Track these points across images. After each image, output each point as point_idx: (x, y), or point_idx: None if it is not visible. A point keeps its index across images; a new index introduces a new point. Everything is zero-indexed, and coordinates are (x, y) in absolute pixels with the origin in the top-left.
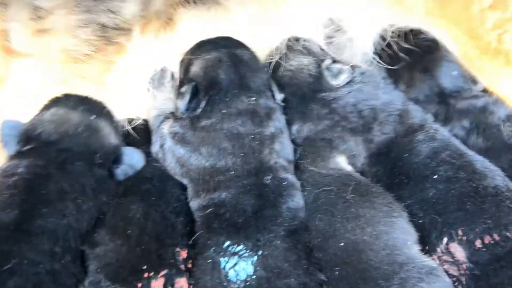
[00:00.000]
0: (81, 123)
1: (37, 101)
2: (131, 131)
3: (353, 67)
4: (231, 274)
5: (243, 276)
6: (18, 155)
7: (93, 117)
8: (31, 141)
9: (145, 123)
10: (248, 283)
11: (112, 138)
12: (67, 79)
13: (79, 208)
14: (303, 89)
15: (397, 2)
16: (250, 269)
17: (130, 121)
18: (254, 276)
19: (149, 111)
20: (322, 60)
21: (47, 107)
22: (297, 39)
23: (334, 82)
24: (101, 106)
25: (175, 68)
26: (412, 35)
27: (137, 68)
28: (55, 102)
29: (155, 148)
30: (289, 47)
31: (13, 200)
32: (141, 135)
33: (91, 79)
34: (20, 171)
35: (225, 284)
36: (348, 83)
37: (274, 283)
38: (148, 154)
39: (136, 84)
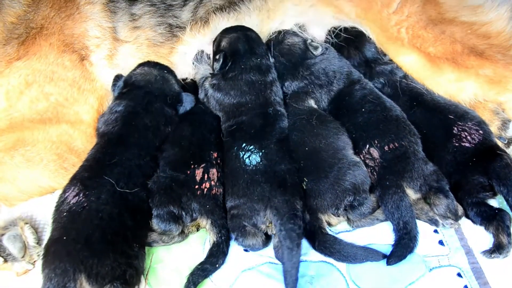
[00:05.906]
0: (158, 75)
1: (131, 67)
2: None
3: (322, 44)
4: (247, 161)
5: (254, 163)
6: (119, 95)
7: (165, 72)
8: (127, 86)
9: (193, 81)
10: (256, 166)
11: (176, 86)
12: (149, 56)
13: (155, 134)
14: (295, 57)
15: (338, 11)
16: (258, 159)
17: (184, 79)
18: (260, 163)
19: (195, 74)
20: (306, 39)
21: (137, 67)
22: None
23: (316, 52)
24: (169, 67)
25: (208, 50)
26: (349, 29)
27: (188, 51)
28: (142, 64)
29: (201, 96)
30: (286, 31)
31: (116, 123)
32: (190, 87)
33: (162, 57)
34: (119, 109)
35: (243, 166)
36: (321, 54)
37: (271, 167)
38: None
39: (187, 61)
